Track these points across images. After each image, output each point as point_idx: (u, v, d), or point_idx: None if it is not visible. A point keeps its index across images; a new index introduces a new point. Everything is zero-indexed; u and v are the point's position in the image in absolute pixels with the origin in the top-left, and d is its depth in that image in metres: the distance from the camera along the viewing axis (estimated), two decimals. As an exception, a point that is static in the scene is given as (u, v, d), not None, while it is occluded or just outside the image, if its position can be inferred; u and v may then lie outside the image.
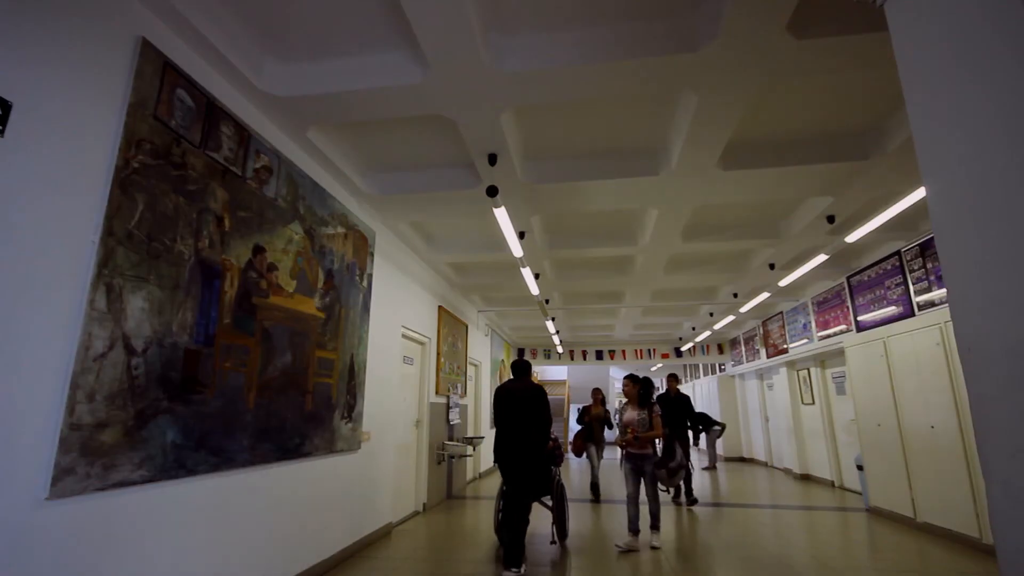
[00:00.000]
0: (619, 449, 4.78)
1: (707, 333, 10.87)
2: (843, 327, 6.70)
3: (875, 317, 5.87)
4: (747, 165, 3.69)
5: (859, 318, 6.26)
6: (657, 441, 4.69)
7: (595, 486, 6.82)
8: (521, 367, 4.32)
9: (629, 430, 4.50)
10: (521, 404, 3.97)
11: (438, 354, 6.54)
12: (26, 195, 1.78)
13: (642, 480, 4.49)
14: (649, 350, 13.08)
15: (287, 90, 2.87)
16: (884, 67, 2.61)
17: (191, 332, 2.45)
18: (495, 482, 8.39)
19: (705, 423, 10.84)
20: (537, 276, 6.35)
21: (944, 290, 4.33)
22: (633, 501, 4.39)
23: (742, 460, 12.10)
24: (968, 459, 4.34)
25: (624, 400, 4.91)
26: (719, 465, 11.01)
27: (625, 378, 4.85)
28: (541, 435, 3.96)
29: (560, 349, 13.03)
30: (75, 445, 1.87)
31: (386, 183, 4.15)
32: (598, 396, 7.25)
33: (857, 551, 4.31)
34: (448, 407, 6.89)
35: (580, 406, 7.79)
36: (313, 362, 3.54)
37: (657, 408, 4.57)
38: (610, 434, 7.28)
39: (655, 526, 4.39)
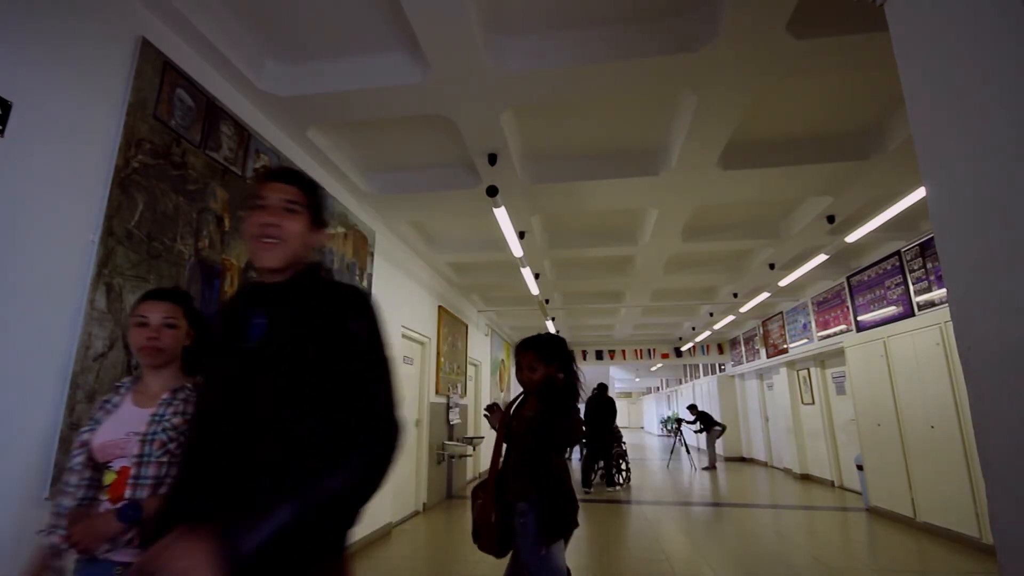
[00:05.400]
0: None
1: (707, 333, 10.87)
2: (843, 327, 6.70)
3: (875, 317, 5.87)
4: (747, 165, 3.69)
5: (859, 318, 6.26)
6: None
7: None
8: (600, 387, 7.80)
9: None
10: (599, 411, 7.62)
11: (438, 354, 6.54)
12: (26, 195, 1.77)
13: None
14: (649, 350, 13.08)
15: (287, 90, 2.87)
16: (884, 67, 2.61)
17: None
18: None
19: (706, 423, 10.87)
20: (537, 276, 6.34)
21: (944, 290, 4.33)
22: None
23: (742, 460, 12.10)
24: (968, 459, 4.34)
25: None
26: (719, 465, 11.01)
27: None
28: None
29: (560, 349, 13.01)
30: (75, 445, 1.87)
31: (386, 183, 4.15)
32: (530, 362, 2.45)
33: (857, 551, 4.31)
34: (448, 407, 6.89)
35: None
36: (313, 362, 3.52)
37: None
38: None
39: None
